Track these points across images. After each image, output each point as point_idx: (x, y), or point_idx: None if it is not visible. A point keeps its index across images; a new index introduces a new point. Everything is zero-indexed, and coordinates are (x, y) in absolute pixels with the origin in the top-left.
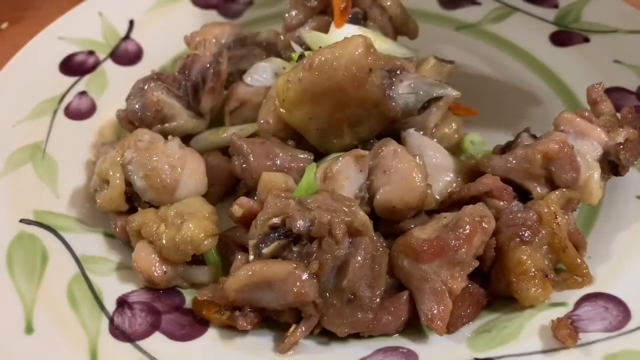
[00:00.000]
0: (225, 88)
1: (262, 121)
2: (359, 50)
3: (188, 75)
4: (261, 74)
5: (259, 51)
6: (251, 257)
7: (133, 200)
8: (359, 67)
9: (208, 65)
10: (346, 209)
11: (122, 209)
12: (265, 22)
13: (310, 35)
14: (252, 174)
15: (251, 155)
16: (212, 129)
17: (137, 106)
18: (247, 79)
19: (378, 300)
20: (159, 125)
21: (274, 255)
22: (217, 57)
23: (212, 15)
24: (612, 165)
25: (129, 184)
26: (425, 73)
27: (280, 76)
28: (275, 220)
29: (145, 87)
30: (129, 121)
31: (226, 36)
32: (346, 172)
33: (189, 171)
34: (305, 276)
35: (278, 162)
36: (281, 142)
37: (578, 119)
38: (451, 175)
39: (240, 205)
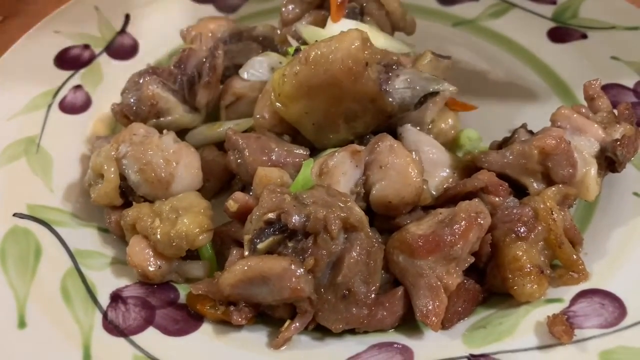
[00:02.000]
0: (221, 82)
1: (258, 116)
2: (355, 44)
3: (184, 70)
4: (257, 69)
5: (256, 46)
6: (246, 252)
7: (127, 195)
8: (355, 61)
9: (204, 60)
10: (342, 205)
11: (117, 203)
12: (261, 17)
13: (307, 30)
14: (248, 169)
15: (247, 150)
16: (208, 123)
17: (132, 100)
18: (243, 73)
19: (373, 295)
20: (154, 120)
21: (269, 251)
22: (213, 52)
23: (209, 10)
24: (609, 162)
25: (123, 178)
26: (422, 68)
27: (276, 70)
28: (271, 215)
29: (141, 81)
30: (124, 115)
31: (222, 30)
32: (342, 168)
33: (183, 165)
34: (300, 272)
35: (274, 157)
36: (277, 137)
37: (575, 115)
38: (447, 170)
39: (235, 200)
